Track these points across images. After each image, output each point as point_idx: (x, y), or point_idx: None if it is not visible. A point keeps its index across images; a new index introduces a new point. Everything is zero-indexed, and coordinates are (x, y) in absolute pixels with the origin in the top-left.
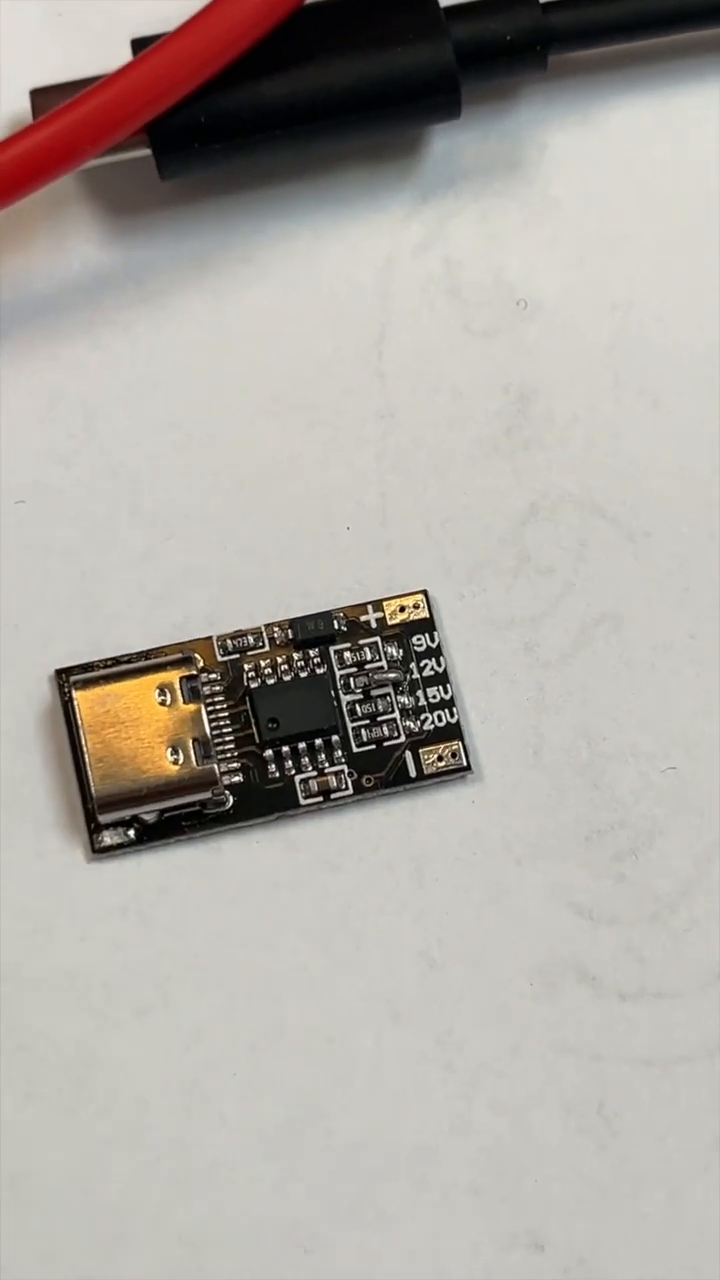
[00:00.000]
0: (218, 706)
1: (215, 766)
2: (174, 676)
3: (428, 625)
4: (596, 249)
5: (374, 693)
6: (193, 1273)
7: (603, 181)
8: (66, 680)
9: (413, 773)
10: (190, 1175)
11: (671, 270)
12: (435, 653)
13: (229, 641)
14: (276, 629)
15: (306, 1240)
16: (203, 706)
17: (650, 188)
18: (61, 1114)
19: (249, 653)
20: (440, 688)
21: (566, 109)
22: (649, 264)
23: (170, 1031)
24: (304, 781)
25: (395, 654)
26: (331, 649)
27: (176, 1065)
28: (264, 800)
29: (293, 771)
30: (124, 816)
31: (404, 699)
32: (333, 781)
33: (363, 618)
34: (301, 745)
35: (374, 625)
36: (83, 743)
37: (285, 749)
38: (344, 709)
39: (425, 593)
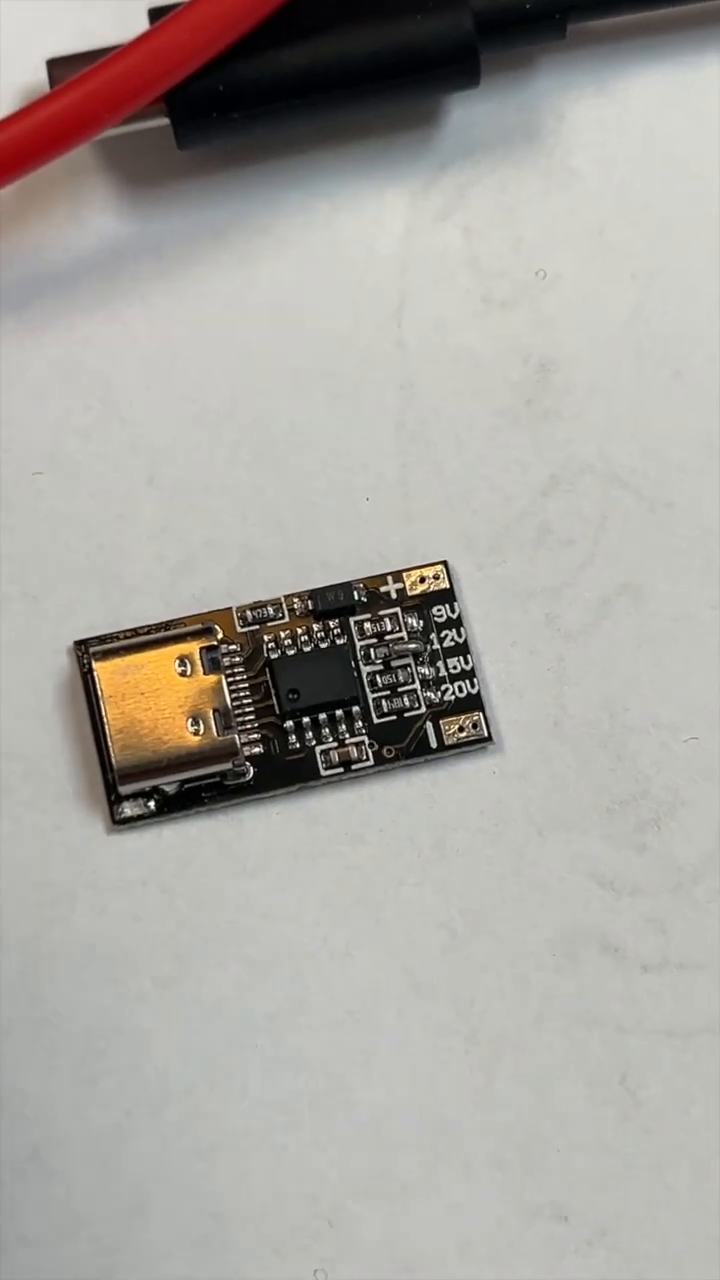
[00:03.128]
0: (238, 677)
1: (236, 737)
2: (194, 647)
3: (448, 596)
4: (616, 218)
5: (394, 663)
6: (215, 1244)
7: (622, 151)
8: (86, 651)
9: (433, 744)
10: (212, 1147)
11: (691, 239)
12: (455, 623)
13: (249, 612)
14: (296, 600)
15: (329, 1212)
16: (223, 677)
17: (669, 157)
18: (83, 1086)
19: (269, 623)
20: (461, 658)
21: (585, 78)
22: (669, 233)
23: (191, 1004)
24: (324, 752)
25: (416, 625)
26: (352, 620)
27: (198, 1037)
28: (284, 771)
29: (313, 742)
30: (144, 788)
31: (424, 670)
32: (353, 752)
33: (383, 588)
34: (322, 716)
35: (394, 596)
36: (103, 714)
37: (306, 720)
38: (364, 680)
39: (445, 563)
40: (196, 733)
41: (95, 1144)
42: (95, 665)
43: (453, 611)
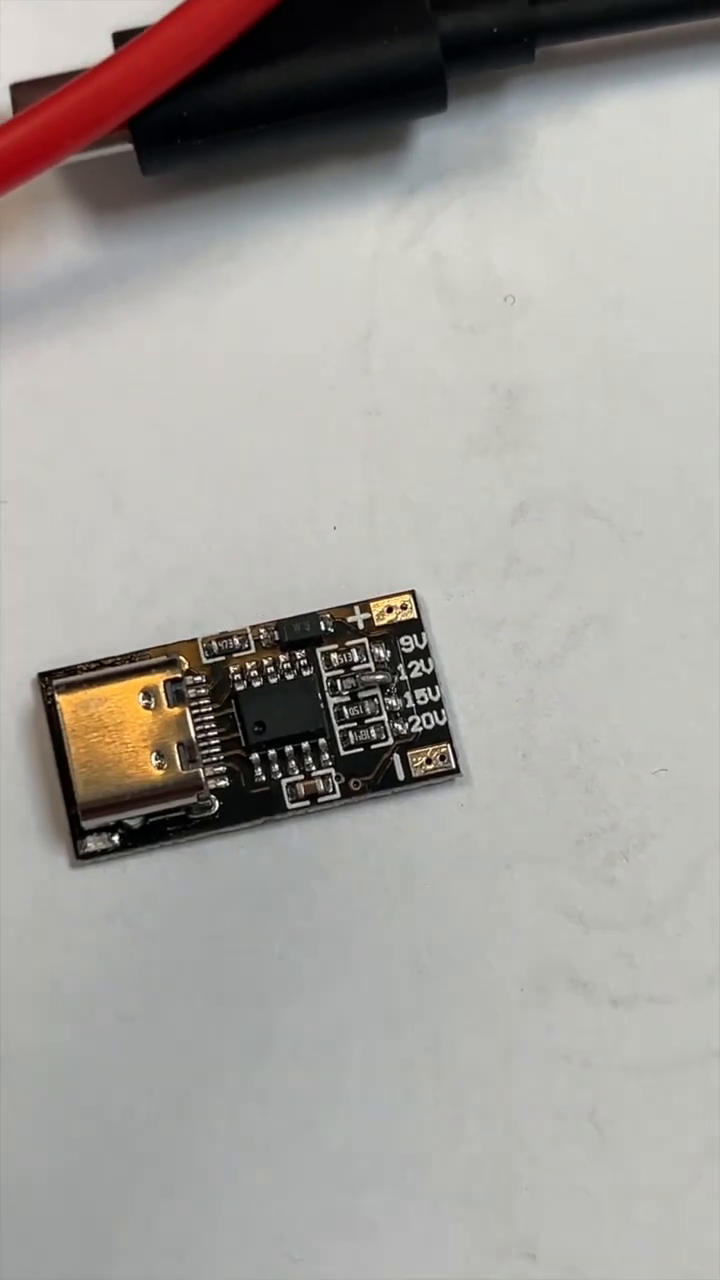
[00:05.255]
0: (203, 710)
1: (200, 771)
2: (158, 680)
3: (416, 626)
4: (586, 244)
5: (361, 695)
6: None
7: (592, 175)
8: (49, 684)
9: (401, 775)
10: (178, 1184)
11: (663, 265)
12: (423, 654)
13: (214, 643)
14: (263, 630)
15: (295, 1249)
16: (187, 710)
17: (640, 181)
18: (47, 1125)
19: (234, 654)
20: (429, 689)
21: (554, 101)
22: (640, 259)
23: (157, 1039)
24: (291, 785)
25: (383, 655)
26: (318, 650)
27: (164, 1073)
28: (250, 804)
29: (279, 775)
30: (108, 822)
31: (392, 701)
32: (320, 785)
33: (350, 619)
34: (288, 748)
35: (361, 626)
36: (66, 747)
37: (272, 752)
38: (331, 711)
39: (413, 593)
40: (161, 766)
41: (60, 1182)
42: (58, 698)
43: (420, 642)
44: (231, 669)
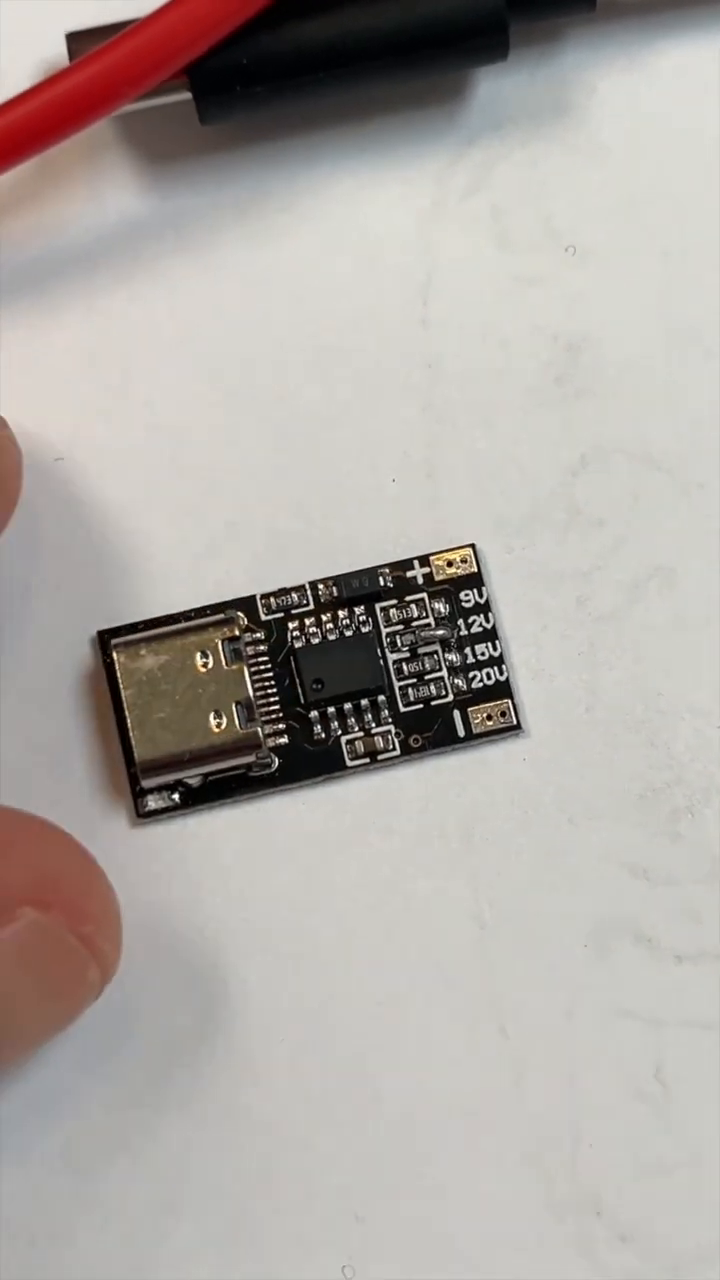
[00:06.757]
0: (261, 667)
1: (259, 729)
2: (216, 638)
3: (476, 580)
4: (646, 195)
5: (421, 650)
6: (244, 1241)
7: (652, 125)
8: (108, 644)
9: (461, 732)
10: (242, 1141)
11: None
12: (484, 609)
13: (273, 600)
14: (321, 586)
15: (359, 1207)
16: (245, 668)
17: (700, 132)
18: (109, 1082)
19: (293, 611)
20: (489, 644)
21: (615, 52)
22: (700, 209)
23: (219, 998)
24: (350, 743)
25: (443, 610)
26: (377, 606)
27: (226, 1031)
28: (310, 762)
29: (339, 732)
30: (168, 781)
31: (452, 656)
32: (379, 743)
33: (409, 573)
34: (347, 706)
35: (421, 581)
36: (125, 707)
37: (331, 710)
38: (390, 668)
39: (473, 547)
40: (219, 725)
41: (125, 1139)
42: (117, 658)
43: (480, 596)
44: (290, 625)
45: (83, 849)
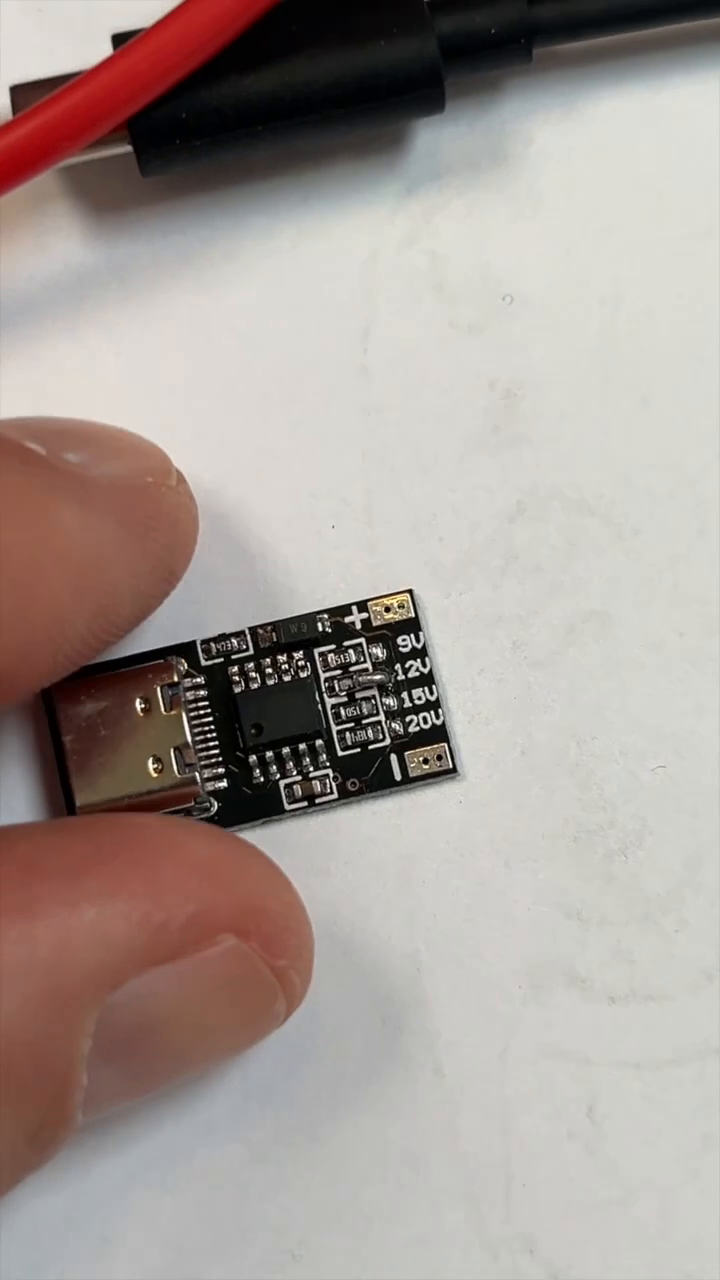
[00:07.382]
0: (201, 712)
1: (197, 775)
2: (155, 684)
3: (413, 625)
4: (584, 243)
5: (359, 695)
6: (182, 1278)
7: (589, 174)
8: (48, 689)
9: (398, 776)
10: (179, 1181)
11: (660, 264)
12: (421, 653)
13: (213, 645)
14: (260, 631)
15: (294, 1246)
16: (184, 713)
17: (637, 180)
18: None
19: (233, 656)
20: (426, 689)
21: (552, 102)
22: (637, 257)
23: None
24: (289, 786)
25: (380, 655)
26: (316, 651)
27: None
28: (249, 805)
29: (277, 776)
30: None
31: (389, 701)
32: (317, 786)
33: (347, 619)
34: (286, 750)
35: (359, 626)
36: (65, 753)
37: (270, 754)
38: (329, 712)
39: (411, 592)
40: (158, 770)
41: (63, 1179)
42: (57, 703)
43: (418, 641)
44: (231, 670)
45: (288, 883)
